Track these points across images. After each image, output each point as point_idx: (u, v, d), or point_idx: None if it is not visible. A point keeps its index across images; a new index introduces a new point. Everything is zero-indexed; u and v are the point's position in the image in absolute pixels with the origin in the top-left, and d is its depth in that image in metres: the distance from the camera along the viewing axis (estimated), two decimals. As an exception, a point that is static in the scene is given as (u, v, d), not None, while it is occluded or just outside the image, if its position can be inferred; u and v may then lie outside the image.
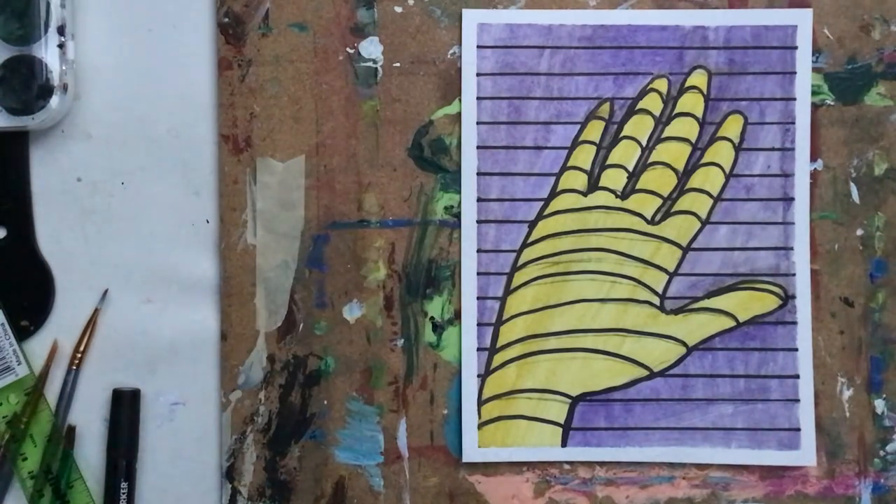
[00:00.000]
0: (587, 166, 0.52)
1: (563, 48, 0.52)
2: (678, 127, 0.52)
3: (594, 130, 0.52)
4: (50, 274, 0.52)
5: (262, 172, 0.52)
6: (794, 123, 0.52)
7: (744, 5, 0.52)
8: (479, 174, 0.52)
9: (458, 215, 0.52)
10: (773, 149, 0.52)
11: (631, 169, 0.52)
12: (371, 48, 0.52)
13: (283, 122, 0.52)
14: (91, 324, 0.52)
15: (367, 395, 0.52)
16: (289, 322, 0.52)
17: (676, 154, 0.52)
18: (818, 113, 0.52)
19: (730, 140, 0.52)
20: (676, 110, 0.52)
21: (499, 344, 0.52)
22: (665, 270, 0.52)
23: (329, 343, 0.52)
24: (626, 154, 0.52)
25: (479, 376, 0.52)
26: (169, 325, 0.52)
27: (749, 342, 0.52)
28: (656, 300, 0.52)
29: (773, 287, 0.52)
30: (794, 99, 0.52)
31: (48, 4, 0.50)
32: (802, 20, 0.52)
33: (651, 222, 0.52)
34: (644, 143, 0.52)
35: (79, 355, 0.52)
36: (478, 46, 0.52)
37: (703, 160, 0.52)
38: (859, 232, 0.52)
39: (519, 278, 0.52)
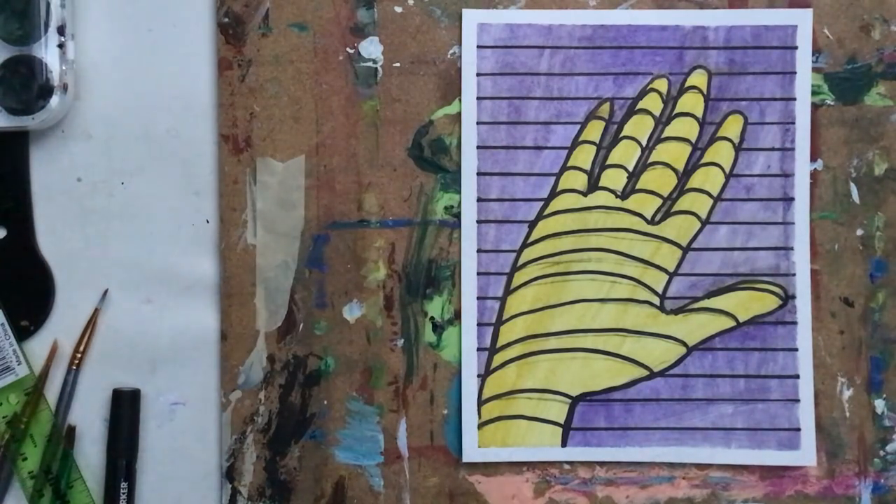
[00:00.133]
0: (587, 166, 0.52)
1: (563, 48, 0.52)
2: (678, 127, 0.52)
3: (594, 130, 0.52)
4: (50, 274, 0.52)
5: (262, 172, 0.52)
6: (794, 123, 0.52)
7: (744, 5, 0.52)
8: (479, 174, 0.52)
9: (458, 215, 0.52)
10: (773, 149, 0.52)
11: (631, 169, 0.52)
12: (371, 48, 0.52)
13: (283, 122, 0.52)
14: (91, 324, 0.52)
15: (367, 395, 0.52)
16: (289, 322, 0.52)
17: (676, 154, 0.52)
18: (818, 113, 0.52)
19: (730, 140, 0.52)
20: (676, 110, 0.52)
21: (499, 344, 0.52)
22: (665, 270, 0.52)
23: (329, 343, 0.52)
24: (626, 154, 0.52)
25: (479, 376, 0.52)
26: (169, 325, 0.52)
27: (749, 342, 0.52)
28: (656, 300, 0.52)
29: (773, 287, 0.52)
30: (794, 99, 0.52)
31: (48, 4, 0.50)
32: (802, 20, 0.52)
33: (651, 222, 0.52)
34: (644, 143, 0.52)
35: (79, 355, 0.52)
36: (478, 46, 0.52)
37: (703, 160, 0.52)
38: (859, 232, 0.52)
39: (519, 278, 0.52)
